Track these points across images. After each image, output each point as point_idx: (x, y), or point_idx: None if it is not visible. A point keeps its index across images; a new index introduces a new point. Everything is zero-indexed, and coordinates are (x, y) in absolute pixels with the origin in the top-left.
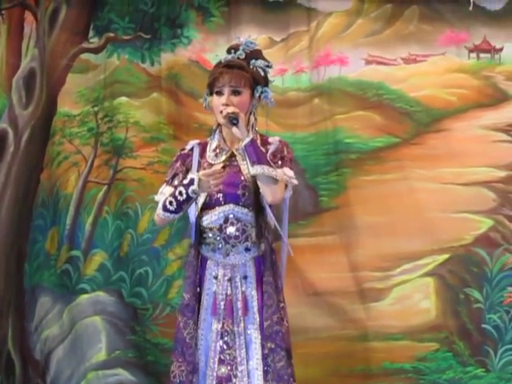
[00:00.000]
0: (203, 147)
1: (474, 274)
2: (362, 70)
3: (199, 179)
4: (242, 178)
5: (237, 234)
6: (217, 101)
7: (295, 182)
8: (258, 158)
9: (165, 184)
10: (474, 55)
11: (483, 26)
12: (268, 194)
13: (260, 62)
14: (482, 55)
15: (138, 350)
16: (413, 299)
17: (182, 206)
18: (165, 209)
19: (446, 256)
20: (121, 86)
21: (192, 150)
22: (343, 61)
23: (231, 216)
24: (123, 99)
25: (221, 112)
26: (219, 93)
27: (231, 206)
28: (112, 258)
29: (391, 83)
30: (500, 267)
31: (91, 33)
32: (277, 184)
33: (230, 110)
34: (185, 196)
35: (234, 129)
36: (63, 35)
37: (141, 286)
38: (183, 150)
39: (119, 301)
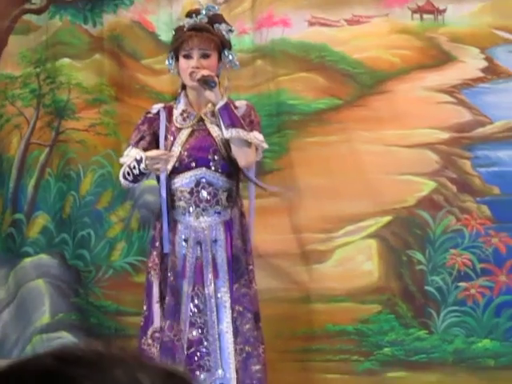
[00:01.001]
0: (169, 111)
1: (417, 236)
2: (305, 31)
3: (146, 159)
4: (212, 141)
5: (208, 197)
6: (185, 64)
7: (265, 145)
8: (233, 122)
9: (130, 146)
10: (417, 16)
11: None
12: (241, 157)
13: (223, 26)
14: (425, 16)
15: (80, 312)
16: (355, 261)
17: (137, 178)
18: (124, 177)
19: (388, 218)
20: (63, 48)
21: (158, 113)
22: (286, 22)
23: (203, 180)
24: (65, 61)
25: (190, 74)
26: (187, 56)
27: (203, 169)
28: (55, 220)
29: (334, 45)
30: (443, 229)
31: None
32: (250, 147)
33: (206, 72)
34: (137, 171)
35: (208, 92)
36: None
37: (83, 249)
38: (149, 113)
39: (62, 263)
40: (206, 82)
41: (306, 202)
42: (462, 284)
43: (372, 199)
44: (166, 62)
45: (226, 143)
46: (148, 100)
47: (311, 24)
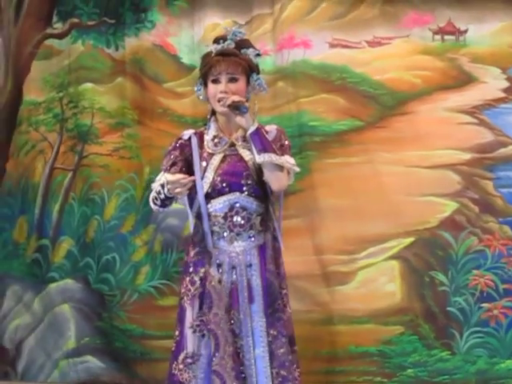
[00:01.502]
0: (200, 137)
1: (439, 257)
2: (326, 53)
3: (168, 183)
4: (245, 166)
5: (242, 222)
6: (214, 89)
7: (297, 169)
8: (264, 146)
9: (162, 172)
10: (438, 37)
11: (447, 7)
12: (274, 181)
13: (251, 51)
14: (446, 37)
15: (105, 336)
16: (378, 282)
17: (164, 202)
18: (153, 202)
19: (411, 239)
20: (86, 72)
21: (189, 139)
22: (307, 44)
23: (237, 205)
24: (88, 85)
25: (219, 101)
26: (216, 81)
27: (237, 194)
28: (78, 244)
29: (355, 66)
30: (465, 250)
31: (55, 18)
32: (282, 171)
33: (236, 98)
34: (163, 195)
35: (238, 117)
36: (27, 22)
37: (108, 272)
38: (180, 139)
39: (86, 287)
40: (237, 108)
41: (328, 223)
42: (485, 305)
43: (394, 220)
44: (195, 88)
45: (258, 167)
46: (170, 123)
47: (332, 45)
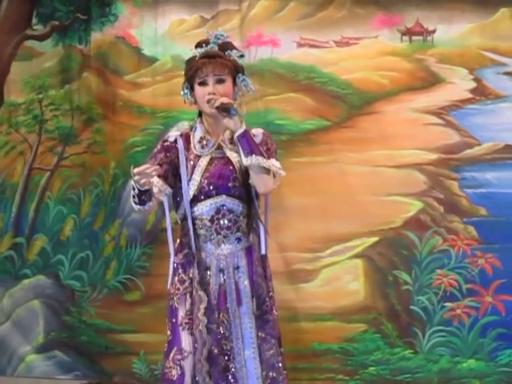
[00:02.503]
0: (186, 139)
1: (403, 257)
2: (294, 52)
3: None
4: (232, 169)
5: (229, 224)
6: (201, 91)
7: (283, 173)
8: (252, 149)
9: None
10: (406, 38)
11: (416, 8)
12: (260, 184)
13: (234, 52)
14: (414, 38)
15: (71, 330)
16: (342, 281)
17: (141, 198)
18: (133, 201)
19: (375, 238)
20: (66, 75)
21: (175, 141)
22: (275, 42)
23: (224, 207)
24: (67, 86)
25: (208, 102)
26: (203, 83)
27: (223, 197)
28: (52, 241)
29: (323, 66)
30: (429, 250)
31: (35, 20)
32: (269, 174)
33: (225, 100)
34: (137, 191)
35: (226, 119)
36: (6, 23)
37: (82, 270)
38: (166, 141)
39: (56, 283)
40: (226, 110)
41: (293, 222)
42: (448, 304)
43: (359, 220)
44: (182, 93)
45: (245, 170)
46: (130, 115)
47: (300, 45)
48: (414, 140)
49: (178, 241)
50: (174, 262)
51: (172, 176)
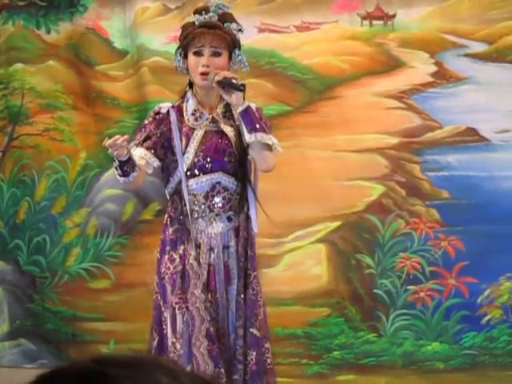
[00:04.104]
0: (178, 110)
1: (366, 241)
2: (255, 37)
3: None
4: (228, 143)
5: (223, 202)
6: (195, 61)
7: (280, 149)
8: (254, 125)
9: (134, 146)
10: (366, 22)
11: None
12: (261, 161)
13: (234, 25)
14: (374, 22)
15: (36, 318)
16: (304, 265)
17: (123, 169)
18: (117, 174)
19: (338, 223)
20: (16, 53)
21: (168, 113)
22: None
23: (218, 184)
24: (19, 65)
25: (202, 74)
26: (198, 53)
27: (220, 173)
28: (8, 225)
29: (284, 51)
30: (392, 233)
31: None
32: (271, 151)
33: (228, 74)
34: (117, 162)
35: (227, 94)
36: None
37: (39, 254)
38: (158, 113)
39: (16, 269)
40: (231, 85)
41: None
42: (411, 287)
43: (321, 204)
44: (174, 59)
45: (240, 145)
46: (104, 106)
47: (261, 30)
48: (376, 124)
49: (166, 216)
50: (162, 239)
51: (161, 148)
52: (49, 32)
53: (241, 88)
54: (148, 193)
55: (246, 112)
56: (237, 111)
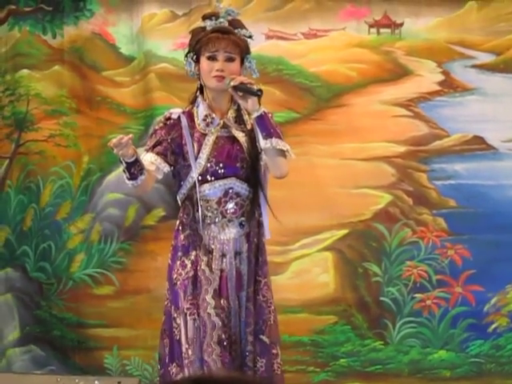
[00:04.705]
0: (189, 116)
1: (373, 249)
2: (262, 44)
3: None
4: (240, 149)
5: (235, 208)
6: (209, 65)
7: (293, 155)
8: (270, 131)
9: (145, 152)
10: (374, 30)
11: (384, 1)
12: (276, 168)
13: (244, 32)
14: (382, 30)
15: (44, 325)
16: (311, 273)
17: (130, 171)
18: (125, 177)
19: (345, 231)
20: (22, 59)
21: (179, 119)
22: None
23: (231, 190)
24: (24, 72)
25: (217, 78)
26: (212, 58)
27: (233, 179)
28: (15, 232)
29: (291, 58)
30: (399, 242)
31: None
32: (285, 157)
33: (245, 79)
34: (124, 163)
35: (242, 100)
36: None
37: (45, 261)
38: (169, 119)
39: (24, 276)
40: (248, 90)
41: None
42: (418, 295)
43: (328, 212)
44: (185, 63)
45: (252, 151)
46: (109, 111)
47: (268, 37)
48: (383, 132)
49: (178, 222)
50: (174, 245)
51: (172, 154)
52: (54, 37)
53: (258, 93)
54: (151, 198)
55: (262, 118)
56: (252, 117)
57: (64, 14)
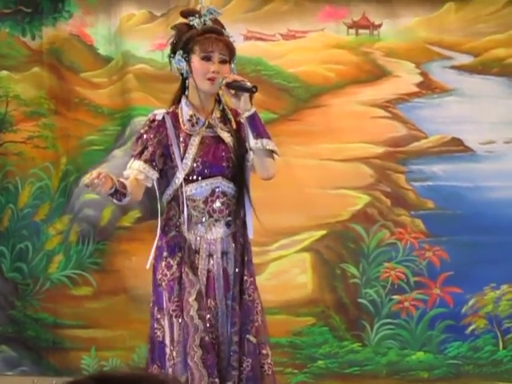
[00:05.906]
0: (174, 116)
1: (351, 250)
2: (241, 45)
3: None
4: (225, 149)
5: (222, 207)
6: (203, 65)
7: (278, 156)
8: (260, 131)
9: (133, 159)
10: (352, 31)
11: (362, 2)
12: (263, 169)
13: (227, 33)
14: (360, 31)
15: (17, 325)
16: (289, 274)
17: (113, 197)
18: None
19: (322, 232)
20: (1, 60)
21: (163, 119)
22: None
23: (218, 189)
24: (4, 73)
25: (209, 79)
26: (207, 58)
27: (219, 178)
28: None
29: (269, 59)
30: (377, 243)
31: None
32: (273, 158)
33: (238, 77)
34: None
35: (234, 98)
36: None
37: (21, 261)
38: (153, 121)
39: None
40: (243, 87)
41: None
42: (396, 297)
43: (306, 213)
44: (173, 60)
45: (239, 151)
46: (86, 113)
47: (247, 38)
48: (361, 133)
49: (163, 223)
50: (159, 246)
51: (160, 157)
52: (33, 38)
53: (253, 90)
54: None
55: (253, 117)
56: (244, 116)
57: (43, 16)
